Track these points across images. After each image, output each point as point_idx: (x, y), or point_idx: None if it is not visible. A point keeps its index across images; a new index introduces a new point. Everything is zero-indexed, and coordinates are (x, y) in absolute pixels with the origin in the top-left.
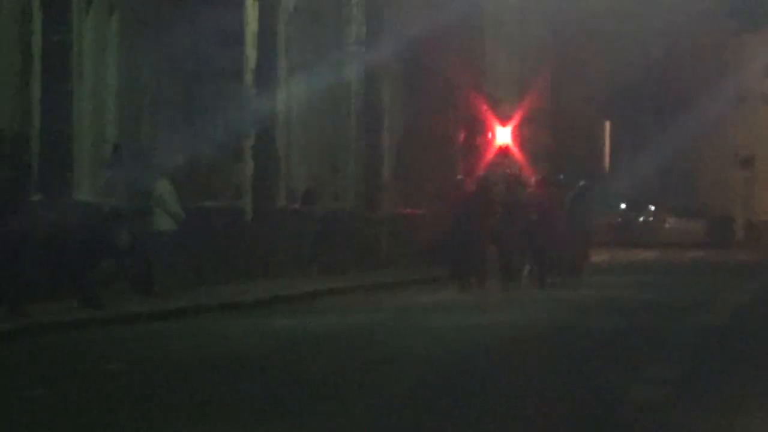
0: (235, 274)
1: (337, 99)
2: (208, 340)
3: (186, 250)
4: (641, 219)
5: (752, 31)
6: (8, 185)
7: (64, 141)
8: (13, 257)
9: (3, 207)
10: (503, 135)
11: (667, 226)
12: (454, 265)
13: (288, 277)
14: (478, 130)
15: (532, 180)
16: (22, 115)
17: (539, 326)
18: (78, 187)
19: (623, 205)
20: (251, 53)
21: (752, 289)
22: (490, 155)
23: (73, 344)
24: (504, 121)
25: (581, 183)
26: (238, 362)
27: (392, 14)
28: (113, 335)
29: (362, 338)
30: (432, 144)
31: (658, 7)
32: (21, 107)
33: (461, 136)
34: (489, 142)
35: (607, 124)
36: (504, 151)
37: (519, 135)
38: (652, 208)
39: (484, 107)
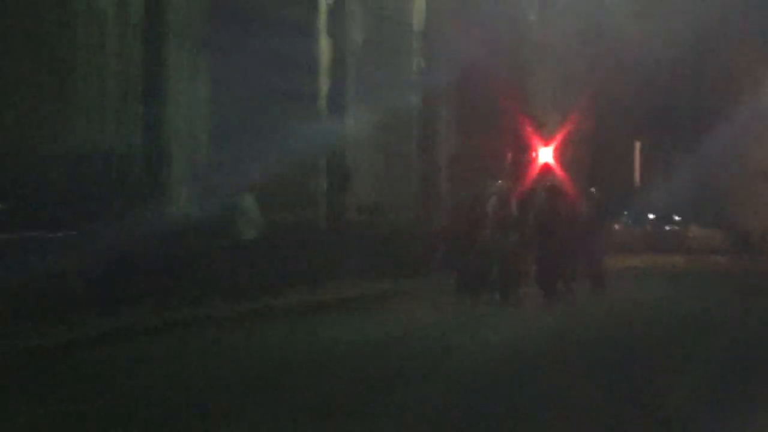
0: (309, 279)
1: (399, 122)
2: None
3: (266, 258)
4: (667, 228)
5: None
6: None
7: (160, 158)
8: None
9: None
10: (546, 154)
11: (690, 235)
12: (460, 277)
13: (357, 279)
14: (523, 149)
15: (570, 192)
16: (125, 136)
17: (594, 335)
18: (173, 201)
19: (652, 216)
20: (324, 81)
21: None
22: (534, 171)
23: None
24: (547, 141)
25: (591, 189)
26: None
27: (448, 47)
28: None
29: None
30: (482, 162)
31: (687, 31)
32: (124, 129)
33: (508, 155)
34: (533, 160)
35: (637, 144)
36: (546, 167)
37: (560, 154)
38: (677, 218)
39: (529, 129)
